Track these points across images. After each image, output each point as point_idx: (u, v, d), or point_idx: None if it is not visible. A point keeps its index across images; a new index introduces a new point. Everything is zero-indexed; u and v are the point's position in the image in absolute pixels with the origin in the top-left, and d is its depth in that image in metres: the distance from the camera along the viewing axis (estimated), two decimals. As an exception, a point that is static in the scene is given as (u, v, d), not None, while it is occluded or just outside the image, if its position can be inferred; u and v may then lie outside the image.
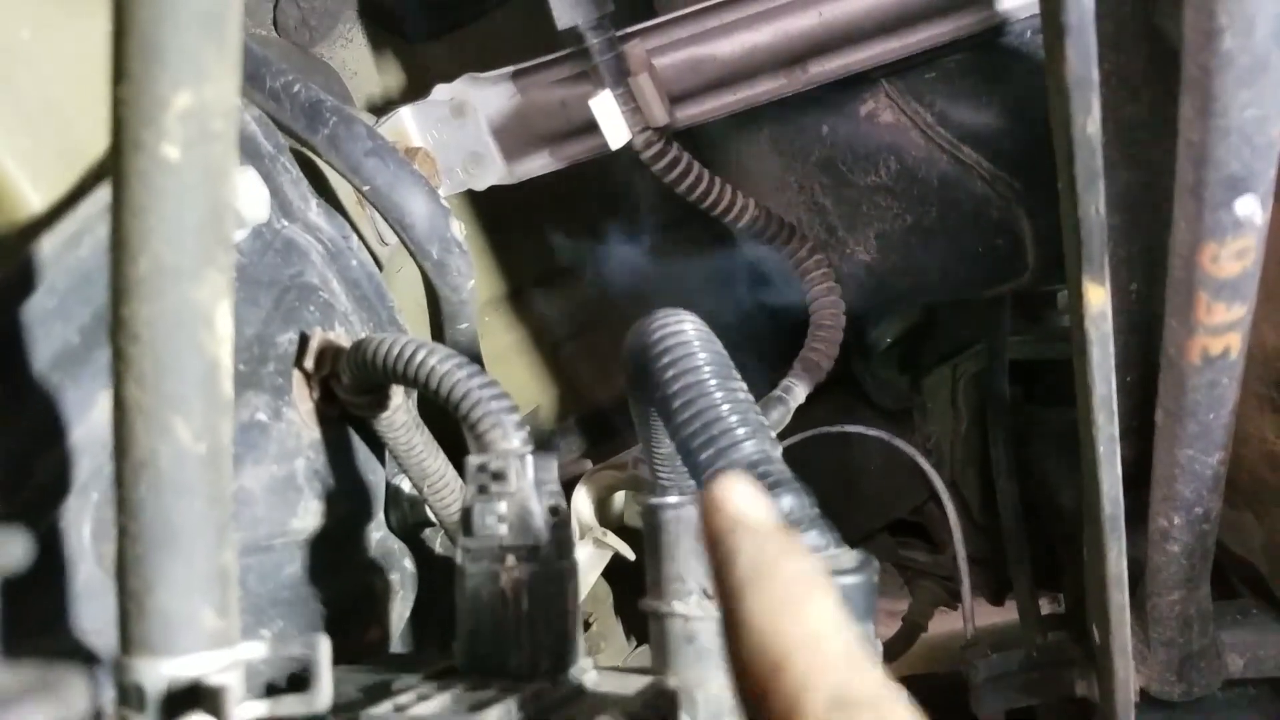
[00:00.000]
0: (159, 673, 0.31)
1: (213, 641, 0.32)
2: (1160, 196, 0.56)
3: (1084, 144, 0.47)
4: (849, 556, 0.42)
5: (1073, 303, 0.55)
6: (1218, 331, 0.58)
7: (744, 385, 0.47)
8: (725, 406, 0.45)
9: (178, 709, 0.31)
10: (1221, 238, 0.53)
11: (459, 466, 0.57)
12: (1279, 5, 0.46)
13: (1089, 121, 0.47)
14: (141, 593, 0.31)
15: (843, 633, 0.31)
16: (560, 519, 0.45)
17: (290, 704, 0.33)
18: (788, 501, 0.44)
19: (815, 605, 0.31)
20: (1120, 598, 0.68)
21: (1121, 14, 0.58)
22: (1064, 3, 0.45)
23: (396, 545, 0.62)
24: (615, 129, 0.69)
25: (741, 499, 0.35)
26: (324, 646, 0.33)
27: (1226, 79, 0.48)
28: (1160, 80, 0.59)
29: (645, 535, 0.45)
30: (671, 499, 0.45)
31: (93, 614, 0.42)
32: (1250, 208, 0.52)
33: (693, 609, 0.43)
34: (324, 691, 0.33)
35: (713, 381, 0.46)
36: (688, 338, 0.47)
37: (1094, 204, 0.49)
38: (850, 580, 0.40)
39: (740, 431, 0.45)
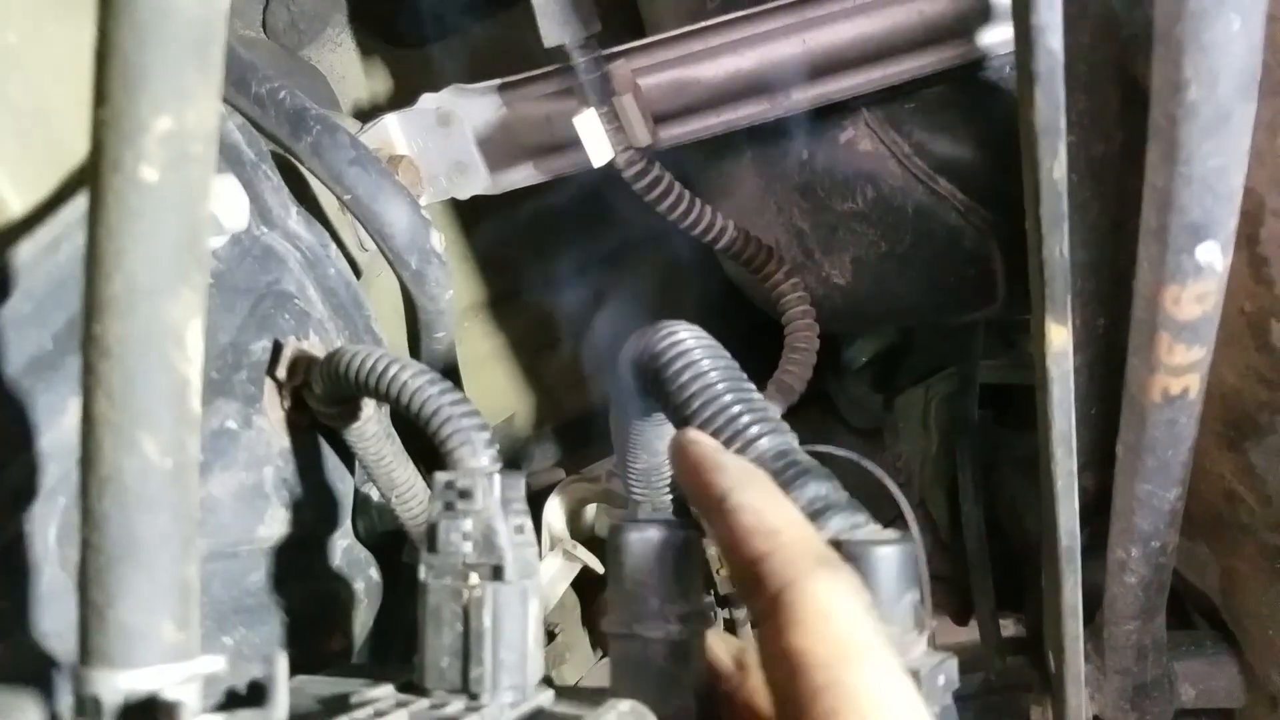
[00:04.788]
0: (116, 685, 0.31)
1: (172, 655, 0.32)
2: (1129, 235, 0.58)
3: (1050, 188, 0.48)
4: (888, 533, 0.43)
5: (1036, 340, 0.56)
6: (1178, 371, 0.59)
7: (753, 386, 0.49)
8: (738, 407, 0.47)
9: (135, 721, 0.31)
10: (1183, 281, 0.54)
11: (429, 478, 0.57)
12: (1243, 60, 0.48)
13: (1056, 166, 0.48)
14: (103, 605, 0.31)
15: (795, 513, 0.39)
16: (525, 538, 0.45)
17: (246, 717, 0.33)
18: (816, 488, 0.45)
19: (790, 504, 0.39)
20: (1075, 627, 0.69)
21: (1096, 58, 0.60)
22: (1035, 51, 0.46)
23: (363, 554, 0.62)
24: (598, 147, 0.69)
25: (705, 439, 0.43)
26: (281, 662, 0.33)
27: (1191, 129, 0.49)
28: (1132, 122, 0.60)
29: (609, 555, 0.46)
30: (635, 519, 0.46)
31: (54, 617, 0.42)
32: (1211, 254, 0.53)
33: (653, 631, 0.43)
34: (280, 706, 0.33)
35: (724, 384, 0.47)
36: (689, 347, 0.48)
37: (1058, 246, 0.50)
38: (903, 548, 0.41)
39: (756, 429, 0.47)
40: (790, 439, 0.48)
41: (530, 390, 1.07)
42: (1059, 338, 0.53)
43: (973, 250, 0.76)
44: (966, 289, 0.79)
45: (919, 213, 0.75)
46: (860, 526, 0.44)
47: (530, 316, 1.04)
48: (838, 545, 0.42)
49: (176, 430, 0.32)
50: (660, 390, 0.49)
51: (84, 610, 0.32)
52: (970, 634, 1.22)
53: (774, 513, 0.38)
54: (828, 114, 0.73)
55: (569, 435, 1.10)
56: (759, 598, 0.36)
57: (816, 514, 0.44)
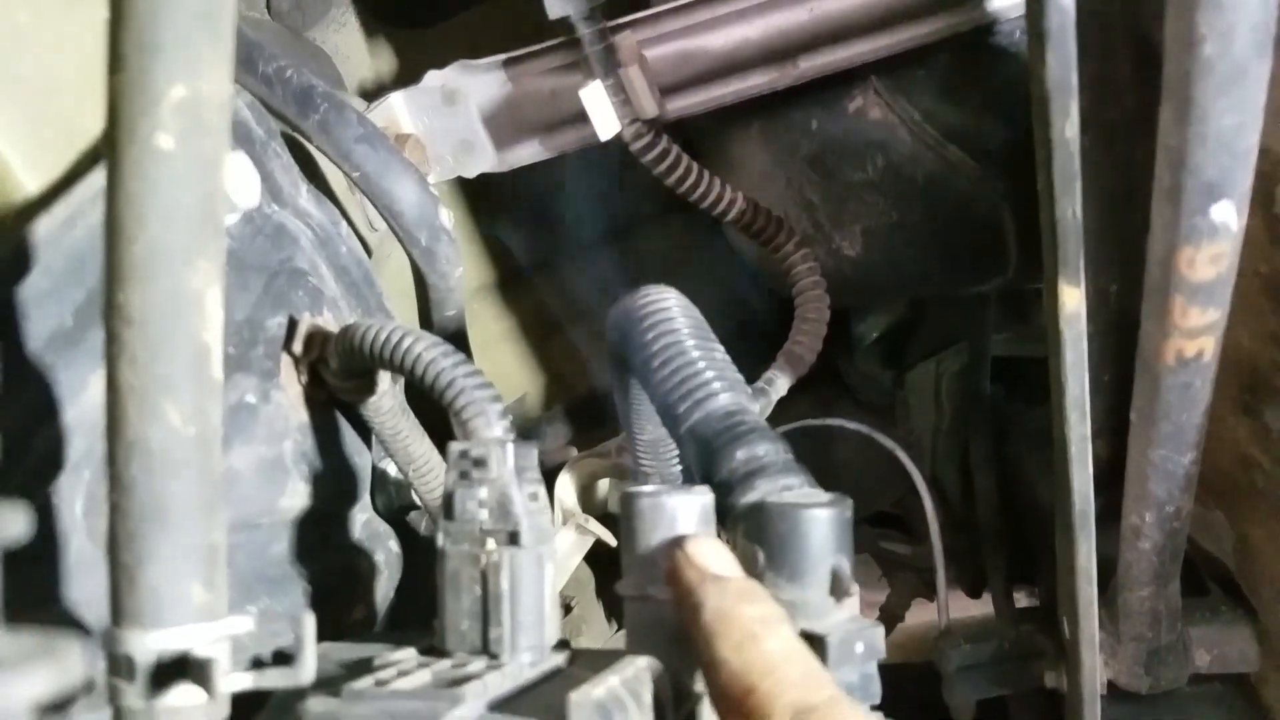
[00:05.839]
0: (148, 644, 0.32)
1: (201, 615, 0.33)
2: (1141, 200, 0.57)
3: (1062, 147, 0.48)
4: (823, 496, 0.44)
5: (1048, 304, 0.56)
6: (1192, 334, 0.59)
7: (722, 349, 0.49)
8: (702, 364, 0.47)
9: (166, 679, 0.32)
10: (1197, 242, 0.54)
11: (444, 451, 0.57)
12: (1258, 15, 0.47)
13: (1068, 125, 0.48)
14: (132, 567, 0.32)
15: (799, 658, 0.36)
16: (539, 505, 0.46)
17: (274, 677, 0.34)
18: (763, 448, 0.45)
19: (773, 638, 0.37)
20: (1089, 592, 0.69)
21: (1108, 19, 0.59)
22: (1046, 8, 0.46)
23: (382, 527, 0.63)
24: (605, 120, 0.69)
25: (709, 554, 0.41)
26: (309, 622, 0.34)
27: (1206, 86, 0.48)
28: (1144, 85, 0.60)
29: (621, 522, 0.46)
30: (647, 488, 0.46)
31: (84, 586, 0.42)
32: (1226, 214, 0.53)
33: (665, 593, 0.44)
34: (308, 665, 0.34)
35: (691, 342, 0.48)
36: (668, 305, 0.49)
37: (1071, 207, 0.50)
38: (825, 512, 0.42)
39: (716, 385, 0.47)
40: (747, 400, 0.48)
41: (541, 371, 1.07)
42: (1072, 300, 0.53)
43: (984, 218, 0.75)
44: (978, 258, 0.79)
45: (929, 181, 0.74)
46: (793, 489, 0.44)
47: (540, 297, 1.04)
48: (763, 507, 0.43)
49: (199, 397, 0.32)
50: (632, 345, 0.50)
51: (114, 573, 0.32)
52: (984, 607, 1.22)
53: (745, 670, 0.36)
54: (836, 83, 0.73)
55: (580, 415, 1.10)
56: None
57: (748, 475, 0.45)
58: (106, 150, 0.31)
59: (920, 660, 1.22)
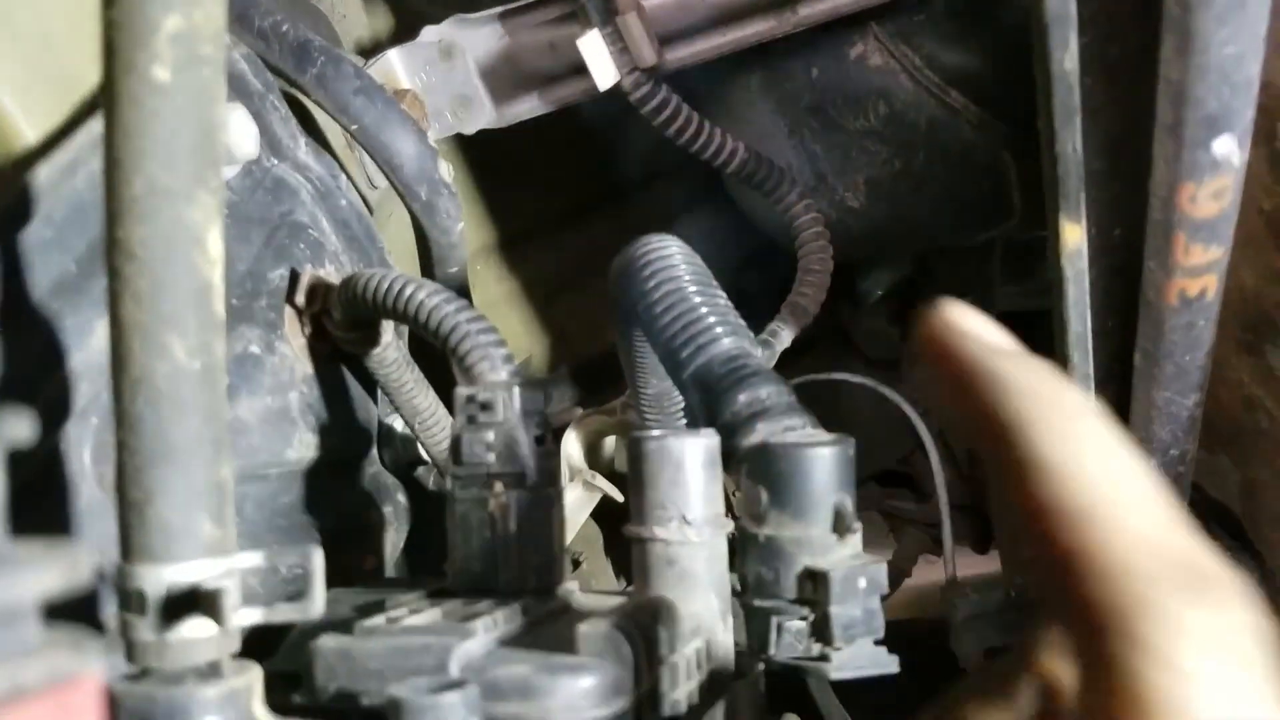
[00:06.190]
0: (159, 578, 0.32)
1: (210, 550, 0.33)
2: (1144, 140, 0.57)
3: (1061, 80, 0.48)
4: (826, 436, 0.44)
5: (1051, 241, 0.56)
6: (1195, 273, 0.59)
7: (724, 295, 0.50)
8: (704, 309, 0.47)
9: (178, 613, 0.32)
10: (1199, 178, 0.54)
11: (449, 404, 0.58)
12: (1259, -57, 0.47)
13: (1067, 57, 0.47)
14: (141, 503, 0.32)
15: (1154, 486, 0.25)
16: (546, 448, 0.46)
17: (285, 611, 0.34)
18: (765, 391, 0.46)
19: (1120, 445, 0.25)
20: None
21: (1108, -46, 0.58)
22: (1045, -60, 0.46)
23: (390, 480, 0.64)
24: (603, 69, 0.69)
25: (976, 321, 0.29)
26: (317, 557, 0.34)
27: (1205, 16, 0.48)
28: (1146, 22, 0.59)
29: (629, 465, 0.47)
30: (653, 430, 0.46)
31: (93, 533, 0.43)
32: (1228, 147, 0.53)
33: (673, 534, 0.44)
34: (317, 600, 0.34)
35: (693, 288, 0.48)
36: (670, 252, 0.49)
37: (1071, 141, 0.50)
38: (827, 450, 0.42)
39: (719, 330, 0.47)
40: (750, 344, 0.48)
41: (545, 332, 1.07)
42: (1073, 236, 0.53)
43: (987, 164, 0.75)
44: (982, 205, 0.79)
45: (932, 127, 0.74)
46: (795, 430, 0.45)
47: (543, 258, 1.04)
48: (766, 448, 0.43)
49: (203, 332, 0.33)
50: (634, 294, 0.50)
51: (123, 510, 0.33)
52: (991, 563, 1.23)
53: (1094, 482, 0.24)
54: (836, 29, 0.73)
55: (585, 376, 1.11)
56: (1071, 630, 0.24)
57: (751, 417, 0.45)
58: (104, 85, 0.31)
59: (928, 617, 1.24)
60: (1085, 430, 0.26)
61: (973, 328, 0.30)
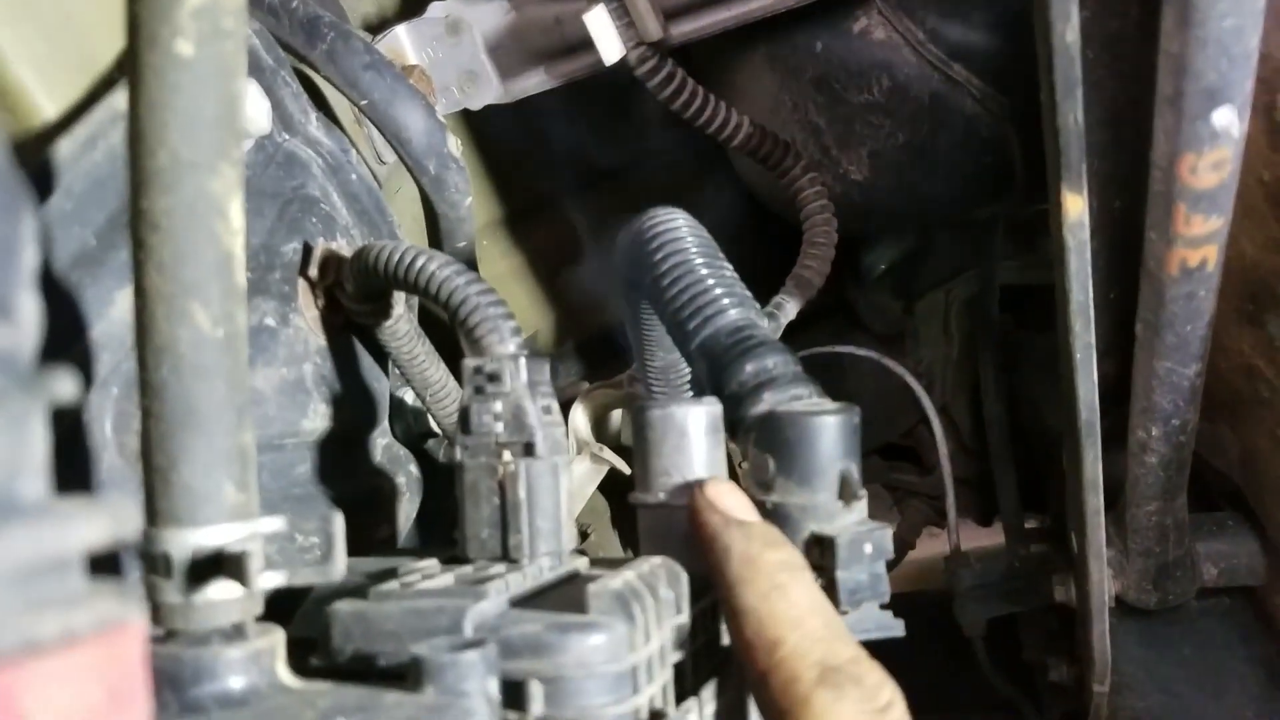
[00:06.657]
0: (185, 542, 0.33)
1: (234, 514, 0.34)
2: (1145, 113, 0.58)
3: (1063, 52, 0.48)
4: (831, 404, 0.45)
5: (1053, 212, 0.56)
6: (1195, 243, 0.59)
7: (730, 267, 0.50)
8: (711, 281, 0.48)
9: (203, 576, 0.33)
10: (1199, 149, 0.54)
11: (458, 375, 0.59)
12: (1260, -85, 0.47)
13: (1068, 30, 0.48)
14: (166, 468, 0.33)
15: (824, 610, 0.37)
16: (553, 418, 0.47)
17: (307, 574, 0.35)
18: (772, 360, 0.47)
19: (798, 587, 0.37)
20: (1095, 502, 0.70)
21: (1111, -74, 0.59)
22: (1048, -89, 0.46)
23: (402, 452, 0.65)
24: (609, 43, 0.69)
25: (729, 499, 0.42)
26: (338, 521, 0.35)
27: (1206, -12, 0.48)
28: (1148, -5, 0.59)
29: (634, 434, 0.48)
30: (657, 400, 0.48)
31: (116, 501, 0.44)
32: (1227, 119, 0.53)
33: (676, 499, 0.45)
34: (338, 562, 0.35)
35: (699, 260, 0.49)
36: (677, 225, 0.50)
37: (1072, 113, 0.51)
38: (833, 418, 0.43)
39: (726, 301, 0.48)
40: (756, 316, 0.49)
41: (552, 308, 1.08)
42: (1075, 207, 0.54)
43: (990, 138, 0.75)
44: (985, 178, 0.79)
45: (935, 101, 0.74)
46: (801, 399, 0.46)
47: (548, 234, 1.05)
48: (772, 416, 0.44)
49: (225, 302, 0.33)
50: (641, 266, 0.51)
51: (148, 475, 0.34)
52: (994, 536, 1.24)
53: (773, 620, 0.36)
54: (840, 3, 0.73)
55: (592, 351, 1.11)
56: (768, 715, 0.36)
57: (757, 387, 0.46)
58: (127, 59, 0.31)
59: (932, 590, 1.25)
60: (778, 584, 0.37)
61: (723, 503, 0.41)
